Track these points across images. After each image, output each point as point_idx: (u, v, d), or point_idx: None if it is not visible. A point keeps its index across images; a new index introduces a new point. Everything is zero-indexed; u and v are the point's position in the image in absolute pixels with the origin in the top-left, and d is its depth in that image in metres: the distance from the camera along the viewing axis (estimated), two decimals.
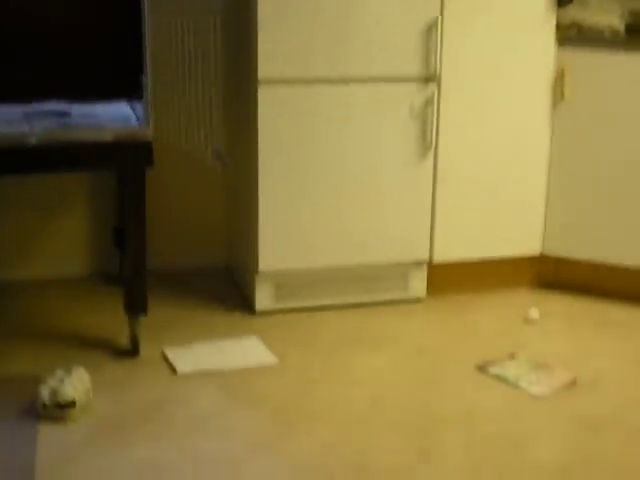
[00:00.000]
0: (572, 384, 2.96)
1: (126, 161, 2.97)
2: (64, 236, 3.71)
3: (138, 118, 3.13)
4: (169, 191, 3.70)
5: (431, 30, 3.26)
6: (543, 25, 3.42)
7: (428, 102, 3.32)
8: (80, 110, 3.23)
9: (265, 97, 3.18)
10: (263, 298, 3.40)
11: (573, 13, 3.53)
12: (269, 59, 3.15)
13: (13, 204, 3.60)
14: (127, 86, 3.25)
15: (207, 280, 3.73)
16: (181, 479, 2.40)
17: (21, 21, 3.22)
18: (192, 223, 3.80)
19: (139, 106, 3.18)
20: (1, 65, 3.24)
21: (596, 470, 2.48)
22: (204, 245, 3.83)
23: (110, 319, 3.29)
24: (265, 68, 3.16)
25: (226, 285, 3.70)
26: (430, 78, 3.31)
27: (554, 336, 3.34)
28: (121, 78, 3.31)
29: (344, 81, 3.24)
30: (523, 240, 3.62)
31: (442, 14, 3.27)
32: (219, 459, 2.50)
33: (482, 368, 3.05)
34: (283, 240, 3.33)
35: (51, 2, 3.27)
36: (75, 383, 2.72)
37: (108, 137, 2.96)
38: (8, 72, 3.24)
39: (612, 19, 3.61)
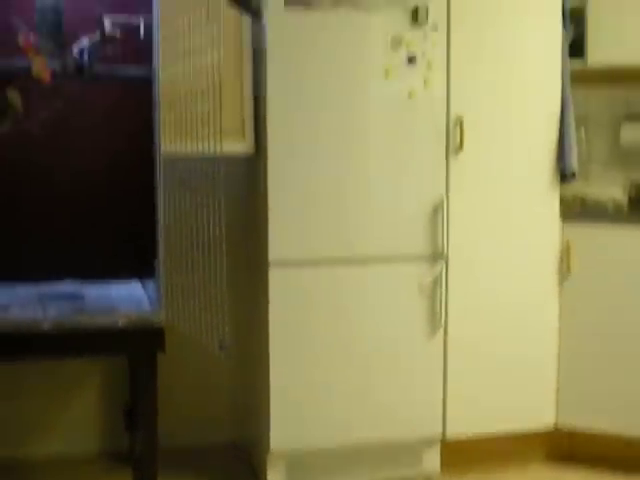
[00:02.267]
0: None
1: (138, 347, 2.98)
2: (75, 416, 3.68)
3: (150, 300, 3.16)
4: (177, 370, 3.67)
5: (437, 210, 3.32)
6: (547, 200, 3.49)
7: (436, 280, 3.35)
8: (93, 292, 3.26)
9: (276, 279, 3.21)
10: (275, 477, 3.34)
11: (576, 187, 3.61)
12: (279, 241, 3.21)
13: (23, 383, 3.59)
14: (139, 266, 3.31)
15: (217, 459, 3.68)
16: None
17: (33, 202, 3.31)
18: (200, 401, 3.76)
19: (151, 285, 3.21)
20: (15, 245, 3.30)
21: None
22: (213, 424, 3.78)
23: None
24: (275, 250, 3.22)
25: (237, 464, 3.63)
26: (438, 256, 3.35)
27: None
28: (134, 258, 3.36)
29: (353, 261, 3.29)
30: (536, 413, 3.57)
31: (448, 194, 3.34)
32: None
33: None
34: (294, 419, 3.30)
35: (63, 183, 3.34)
36: None
37: (121, 323, 2.97)
38: (22, 252, 3.30)
39: (615, 192, 3.69)
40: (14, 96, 2.64)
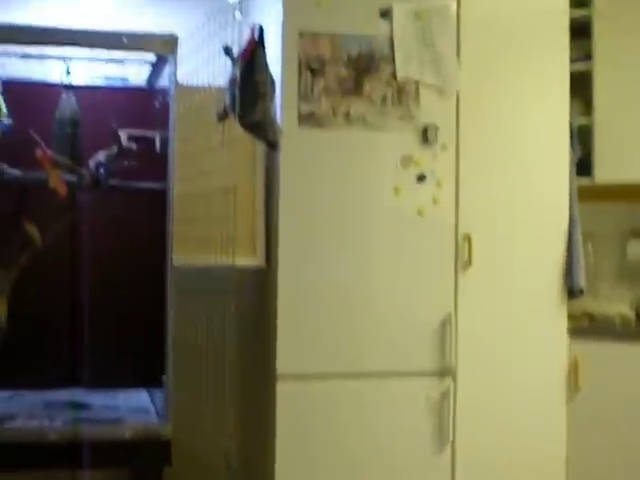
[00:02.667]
0: None
1: (144, 460, 2.97)
2: None
3: (157, 411, 3.16)
4: None
5: (445, 325, 3.34)
6: (555, 316, 3.48)
7: (444, 395, 3.34)
8: (100, 400, 3.27)
9: (283, 392, 3.20)
10: None
11: (584, 303, 3.63)
12: (287, 354, 3.22)
13: None
14: (147, 374, 3.32)
15: None
16: None
17: (42, 309, 3.35)
18: None
19: (159, 395, 3.20)
20: (23, 352, 3.32)
21: None
22: None
23: None
24: (283, 363, 3.21)
25: None
26: (446, 372, 3.35)
27: None
28: (142, 367, 3.39)
29: (361, 376, 3.28)
30: None
31: (456, 310, 3.36)
32: None
33: None
34: None
35: (73, 292, 3.40)
36: None
37: (127, 435, 2.97)
38: (29, 359, 3.33)
39: (623, 308, 3.71)
40: (33, 231, 2.71)
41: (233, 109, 2.82)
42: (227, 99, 2.87)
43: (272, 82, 2.93)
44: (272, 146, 3.03)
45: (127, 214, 3.39)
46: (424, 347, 3.32)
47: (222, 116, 2.90)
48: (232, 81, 2.84)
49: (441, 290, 3.35)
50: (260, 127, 2.88)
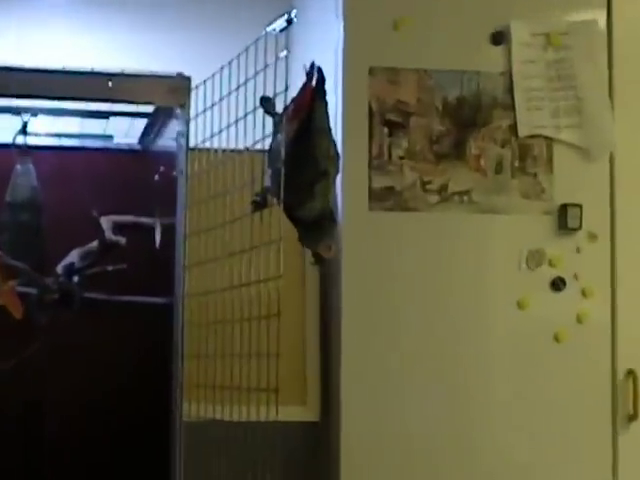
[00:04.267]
0: None
1: None
2: None
3: None
4: None
5: None
6: None
7: None
8: None
9: None
10: None
11: None
12: None
13: None
14: None
15: None
16: None
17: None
18: None
19: None
20: None
21: None
22: None
23: None
24: None
25: None
26: None
27: None
28: None
29: None
30: None
31: (615, 476, 2.56)
32: None
33: None
34: None
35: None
36: None
37: None
38: None
39: None
40: None
41: (277, 194, 2.05)
42: (267, 179, 2.10)
43: (336, 154, 2.20)
44: (319, 259, 2.30)
45: (111, 343, 2.61)
46: None
47: (259, 204, 2.13)
48: (276, 152, 2.08)
49: (593, 451, 2.59)
50: (318, 223, 2.15)
